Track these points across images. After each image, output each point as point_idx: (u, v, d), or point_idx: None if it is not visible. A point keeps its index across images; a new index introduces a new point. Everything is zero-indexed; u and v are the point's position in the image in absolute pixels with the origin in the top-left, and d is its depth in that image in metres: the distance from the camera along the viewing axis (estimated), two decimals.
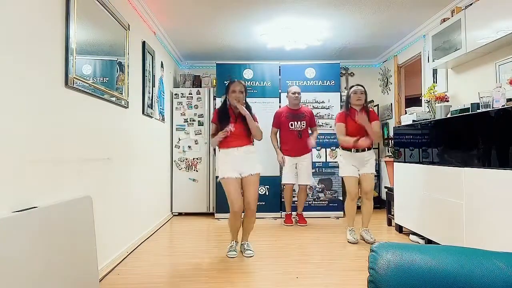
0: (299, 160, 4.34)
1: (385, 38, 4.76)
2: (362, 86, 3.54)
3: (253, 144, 3.16)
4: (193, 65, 5.80)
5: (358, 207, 3.74)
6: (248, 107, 3.16)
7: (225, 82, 4.37)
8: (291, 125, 4.33)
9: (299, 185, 4.43)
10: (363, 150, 3.46)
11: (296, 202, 4.55)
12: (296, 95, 4.33)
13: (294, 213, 4.54)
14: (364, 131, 3.39)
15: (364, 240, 3.51)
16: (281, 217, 4.74)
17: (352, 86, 3.58)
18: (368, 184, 3.47)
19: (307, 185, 4.40)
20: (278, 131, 4.43)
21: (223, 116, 3.11)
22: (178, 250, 3.34)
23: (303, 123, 4.33)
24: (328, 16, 3.95)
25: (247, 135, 3.10)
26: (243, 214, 3.11)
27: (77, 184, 2.26)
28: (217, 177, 4.35)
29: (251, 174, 3.05)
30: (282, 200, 4.81)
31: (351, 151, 3.47)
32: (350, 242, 3.47)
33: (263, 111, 4.58)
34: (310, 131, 4.42)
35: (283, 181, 4.44)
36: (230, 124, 3.03)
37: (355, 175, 3.49)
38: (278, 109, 4.58)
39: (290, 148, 4.33)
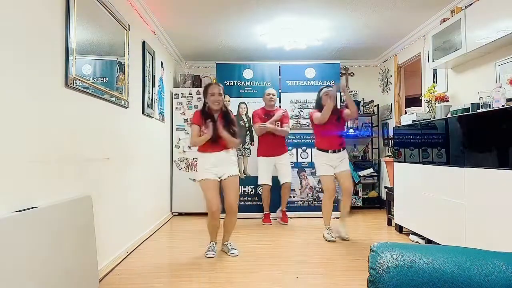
0: (276, 160, 4.43)
1: (385, 38, 4.76)
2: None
3: (229, 149, 3.13)
4: (193, 65, 5.80)
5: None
6: (227, 112, 3.15)
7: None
8: None
9: (282, 184, 4.48)
10: (339, 151, 3.59)
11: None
12: (271, 96, 4.47)
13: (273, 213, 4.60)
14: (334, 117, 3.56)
15: (340, 236, 3.57)
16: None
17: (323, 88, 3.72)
18: (346, 181, 3.60)
19: (290, 182, 4.48)
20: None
21: (207, 119, 3.08)
22: (178, 250, 3.33)
23: (277, 123, 4.42)
24: (328, 16, 3.95)
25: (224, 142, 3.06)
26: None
27: (77, 184, 2.26)
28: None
29: (230, 176, 3.07)
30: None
31: (327, 151, 3.58)
32: (328, 241, 3.53)
33: None
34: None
35: (259, 182, 4.52)
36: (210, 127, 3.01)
37: (331, 173, 3.60)
38: (256, 109, 4.62)
39: (265, 148, 4.44)
